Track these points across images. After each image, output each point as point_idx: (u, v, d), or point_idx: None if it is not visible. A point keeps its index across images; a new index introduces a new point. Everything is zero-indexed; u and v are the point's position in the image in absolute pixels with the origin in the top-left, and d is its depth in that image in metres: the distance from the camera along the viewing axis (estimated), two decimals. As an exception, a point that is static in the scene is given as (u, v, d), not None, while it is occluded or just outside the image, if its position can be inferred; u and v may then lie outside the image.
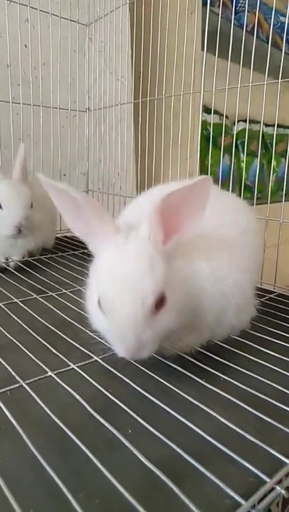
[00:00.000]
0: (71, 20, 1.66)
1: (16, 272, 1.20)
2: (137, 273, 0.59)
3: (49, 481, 0.45)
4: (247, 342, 0.78)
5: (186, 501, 0.42)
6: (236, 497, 0.42)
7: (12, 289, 1.06)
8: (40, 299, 0.96)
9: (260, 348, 0.76)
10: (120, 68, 1.68)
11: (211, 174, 1.41)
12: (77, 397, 0.59)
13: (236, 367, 0.69)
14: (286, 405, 0.59)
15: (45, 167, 1.64)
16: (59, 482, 0.44)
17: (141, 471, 0.48)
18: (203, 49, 1.29)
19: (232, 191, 1.15)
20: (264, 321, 0.89)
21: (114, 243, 0.62)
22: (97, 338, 0.77)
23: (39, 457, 0.47)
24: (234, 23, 1.20)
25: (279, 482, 0.45)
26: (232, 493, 0.43)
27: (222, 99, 1.23)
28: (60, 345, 0.74)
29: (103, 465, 0.47)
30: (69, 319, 0.86)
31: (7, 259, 1.28)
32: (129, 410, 0.57)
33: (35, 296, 0.99)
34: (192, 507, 0.41)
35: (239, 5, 2.42)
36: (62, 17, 1.61)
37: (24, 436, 0.51)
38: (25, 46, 1.61)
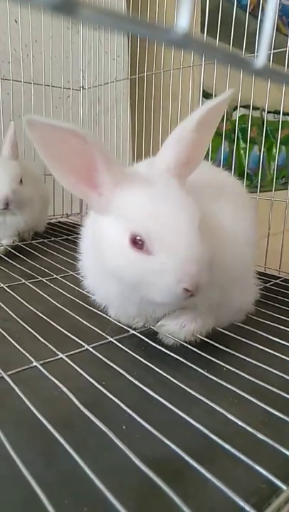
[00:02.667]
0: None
1: (4, 257, 1.13)
2: (179, 199, 0.57)
3: (28, 486, 0.38)
4: (252, 329, 0.72)
5: (187, 511, 0.36)
6: (247, 508, 0.36)
7: (1, 275, 0.99)
8: (30, 285, 0.90)
9: (267, 335, 0.70)
10: (116, 47, 1.59)
11: (210, 161, 1.36)
12: (65, 390, 0.52)
13: (242, 356, 0.63)
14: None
15: (37, 151, 1.55)
16: (38, 488, 0.37)
17: (135, 475, 0.42)
18: (202, 31, 1.22)
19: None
20: (269, 307, 0.83)
21: (137, 184, 0.59)
22: (89, 325, 0.71)
23: (16, 459, 0.41)
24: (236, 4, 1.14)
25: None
26: (241, 502, 0.37)
27: (222, 85, 1.18)
28: (48, 334, 0.68)
29: (93, 468, 0.41)
30: (60, 306, 0.79)
31: (-4, 244, 1.22)
32: (122, 405, 0.51)
33: (23, 281, 0.92)
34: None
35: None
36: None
37: (0, 434, 0.45)
38: (16, 21, 1.53)
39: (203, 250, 0.55)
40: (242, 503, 0.36)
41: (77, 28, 1.67)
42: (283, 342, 0.68)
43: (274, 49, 1.04)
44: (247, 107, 1.39)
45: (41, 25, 1.51)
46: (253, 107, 1.30)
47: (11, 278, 0.96)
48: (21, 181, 1.22)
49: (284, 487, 0.39)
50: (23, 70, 1.49)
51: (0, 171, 1.17)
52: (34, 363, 0.59)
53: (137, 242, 0.56)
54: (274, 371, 0.60)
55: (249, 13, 1.35)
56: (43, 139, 0.55)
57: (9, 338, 0.67)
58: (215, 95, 1.36)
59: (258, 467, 0.41)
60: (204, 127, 0.61)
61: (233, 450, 0.44)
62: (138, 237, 0.55)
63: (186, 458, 0.42)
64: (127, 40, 1.57)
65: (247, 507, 0.35)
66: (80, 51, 1.68)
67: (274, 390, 0.55)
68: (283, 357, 0.64)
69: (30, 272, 1.00)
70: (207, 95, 1.75)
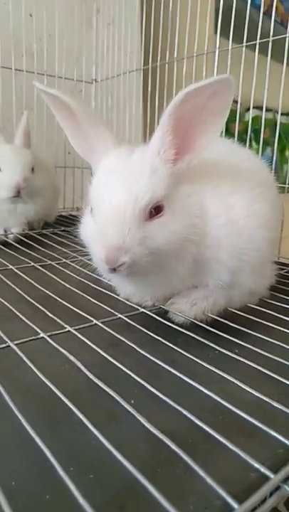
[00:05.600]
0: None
1: (15, 244, 1.12)
2: (135, 176, 0.57)
3: (35, 451, 0.37)
4: (266, 311, 0.69)
5: (203, 475, 0.33)
6: (263, 469, 0.34)
7: (11, 260, 0.98)
8: (40, 268, 0.88)
9: (282, 316, 0.67)
10: (129, 39, 1.59)
11: None
12: (73, 359, 0.51)
13: (256, 334, 0.61)
14: None
15: (49, 143, 1.56)
16: (47, 452, 0.36)
17: (147, 443, 0.40)
18: (216, 32, 1.22)
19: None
20: (284, 292, 0.80)
21: (116, 154, 0.60)
22: (98, 303, 0.70)
23: (25, 424, 0.39)
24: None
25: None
26: (257, 465, 0.34)
27: (237, 85, 1.16)
28: (58, 311, 0.66)
29: (99, 437, 0.39)
30: (70, 287, 0.78)
31: (6, 232, 1.22)
32: (134, 375, 0.49)
33: (33, 264, 0.91)
34: (210, 482, 0.33)
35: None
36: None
37: (10, 402, 0.43)
38: (30, 15, 1.54)
39: (129, 233, 0.54)
40: (258, 466, 0.33)
41: (91, 22, 1.68)
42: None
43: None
44: (260, 108, 1.38)
45: (55, 19, 1.52)
46: (266, 108, 1.29)
47: (21, 262, 0.95)
48: (33, 170, 1.22)
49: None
50: (37, 64, 1.50)
51: (12, 159, 1.17)
52: (41, 334, 0.57)
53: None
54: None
55: (263, 13, 1.34)
56: (50, 103, 0.63)
57: (20, 315, 0.65)
58: None
59: (275, 434, 0.38)
60: (197, 116, 0.57)
61: (250, 419, 0.41)
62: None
63: (202, 426, 0.40)
64: (140, 30, 1.56)
65: (262, 468, 0.33)
66: (93, 45, 1.68)
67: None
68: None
69: (40, 257, 0.98)
70: None
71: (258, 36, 1.13)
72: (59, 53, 1.55)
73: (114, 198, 0.55)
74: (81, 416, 0.41)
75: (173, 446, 0.37)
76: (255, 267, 0.64)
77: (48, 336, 0.57)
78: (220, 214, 0.61)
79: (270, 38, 1.08)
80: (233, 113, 1.84)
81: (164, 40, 1.35)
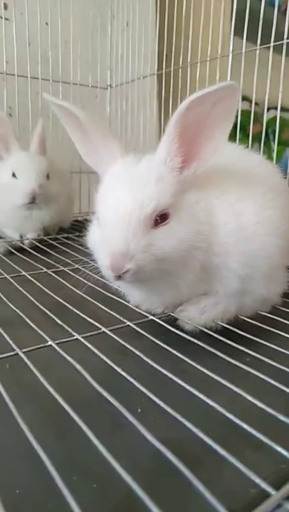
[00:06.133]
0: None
1: (30, 250, 1.14)
2: (141, 184, 0.57)
3: (39, 460, 0.37)
4: (279, 319, 0.68)
5: (202, 490, 0.33)
6: (264, 485, 0.33)
7: (25, 266, 1.00)
8: (52, 274, 0.89)
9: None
10: (143, 44, 1.59)
11: None
12: (80, 368, 0.51)
13: (268, 344, 0.60)
14: None
15: (64, 149, 1.57)
16: (49, 462, 0.36)
17: (149, 454, 0.40)
18: (231, 32, 1.21)
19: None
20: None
21: (123, 162, 0.61)
22: (108, 310, 0.70)
23: (28, 433, 0.39)
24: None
25: None
26: (258, 481, 0.34)
27: (252, 86, 1.17)
28: (67, 319, 0.67)
29: (104, 446, 0.39)
30: (81, 294, 0.78)
31: (22, 237, 1.24)
32: (140, 386, 0.48)
33: (46, 270, 0.92)
34: (209, 497, 0.32)
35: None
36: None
37: (14, 410, 0.43)
38: (46, 24, 1.56)
39: (134, 240, 0.55)
40: (259, 481, 0.33)
41: (106, 29, 1.69)
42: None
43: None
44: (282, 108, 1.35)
45: (70, 26, 1.54)
46: (283, 108, 1.27)
47: (35, 268, 0.96)
48: (48, 176, 1.23)
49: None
50: (52, 70, 1.52)
51: (27, 166, 1.19)
52: (49, 342, 0.58)
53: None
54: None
55: (282, 12, 1.32)
56: (59, 113, 0.64)
57: (30, 322, 0.66)
58: (242, 96, 1.34)
59: (279, 448, 0.37)
60: (202, 123, 0.57)
61: (255, 433, 0.40)
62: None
63: (204, 438, 0.40)
64: (155, 34, 1.56)
65: (264, 484, 0.32)
66: (107, 51, 1.69)
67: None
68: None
69: (53, 263, 0.99)
70: None
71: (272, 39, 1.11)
72: (74, 60, 1.56)
73: (119, 205, 0.56)
74: (85, 425, 0.41)
75: (173, 459, 0.36)
76: (266, 274, 0.63)
77: (56, 344, 0.57)
78: (229, 221, 0.60)
79: (285, 41, 1.06)
80: (249, 114, 1.82)
81: (178, 44, 1.35)
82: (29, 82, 1.45)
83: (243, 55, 1.15)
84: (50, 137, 1.38)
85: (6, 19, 1.51)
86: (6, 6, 1.53)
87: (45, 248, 1.14)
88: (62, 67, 1.54)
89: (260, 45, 1.19)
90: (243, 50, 1.15)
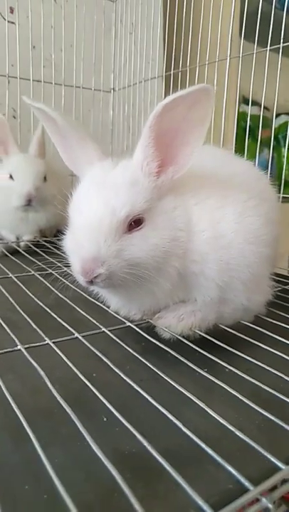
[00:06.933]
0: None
1: (23, 252, 1.14)
2: (114, 189, 0.56)
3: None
4: (260, 329, 0.65)
5: (139, 508, 0.31)
6: (206, 507, 0.31)
7: (14, 268, 0.99)
8: (39, 277, 0.89)
9: (276, 336, 0.63)
10: (151, 47, 1.58)
11: None
12: (43, 374, 0.50)
13: (245, 356, 0.58)
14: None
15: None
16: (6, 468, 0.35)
17: (102, 468, 0.38)
18: (240, 34, 1.19)
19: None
20: (283, 308, 0.76)
21: (100, 167, 0.60)
22: (87, 316, 0.68)
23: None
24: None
25: (269, 492, 0.33)
26: (200, 503, 0.32)
27: (262, 90, 1.15)
28: (44, 323, 0.65)
29: (58, 456, 0.38)
30: (65, 299, 0.77)
31: (18, 239, 1.24)
32: (104, 399, 0.47)
33: (33, 273, 0.91)
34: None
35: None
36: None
37: None
38: (52, 27, 1.57)
39: (105, 245, 0.54)
40: (201, 503, 0.31)
41: (111, 32, 1.69)
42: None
43: None
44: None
45: (76, 29, 1.55)
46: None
47: (23, 271, 0.95)
48: (45, 179, 1.23)
49: (251, 488, 0.33)
50: (55, 73, 1.52)
51: (24, 168, 1.19)
52: (19, 346, 0.56)
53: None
54: (279, 374, 0.53)
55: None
56: (39, 116, 0.64)
57: (4, 325, 0.65)
58: (252, 100, 1.32)
59: (231, 469, 0.35)
60: (178, 127, 0.56)
61: (210, 452, 0.38)
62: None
63: (156, 457, 0.38)
64: (163, 36, 1.54)
65: (205, 506, 0.30)
66: (112, 54, 1.69)
67: (277, 394, 0.49)
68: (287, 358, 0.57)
69: (43, 265, 0.99)
70: (245, 100, 1.69)
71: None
72: (78, 63, 1.57)
73: (91, 210, 0.55)
74: (44, 433, 0.40)
75: (115, 475, 0.34)
76: (246, 283, 0.61)
77: (26, 349, 0.56)
78: (206, 228, 0.59)
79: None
80: (258, 119, 1.79)
81: (186, 46, 1.33)
82: (31, 84, 1.46)
83: (254, 56, 1.13)
84: (51, 140, 1.38)
85: (12, 23, 1.53)
86: (12, 10, 1.54)
87: (38, 250, 1.14)
88: (66, 70, 1.54)
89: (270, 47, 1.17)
90: (242, 52, 1.13)
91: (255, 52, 1.18)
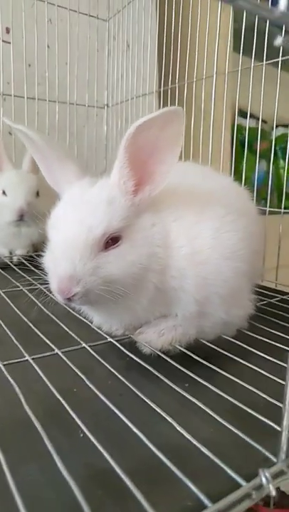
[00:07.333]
0: (90, 16, 1.63)
1: (14, 267, 1.15)
2: (90, 207, 0.57)
3: None
4: (242, 344, 0.65)
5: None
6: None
7: (3, 283, 1.00)
8: (27, 293, 0.89)
9: (257, 352, 0.63)
10: (144, 64, 1.61)
11: (245, 180, 1.31)
12: (19, 393, 0.50)
13: (225, 373, 0.57)
14: (275, 422, 0.46)
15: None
16: None
17: (67, 488, 0.38)
18: (234, 50, 1.21)
19: (270, 199, 1.08)
20: (269, 323, 0.76)
21: (78, 185, 0.61)
22: (70, 332, 0.69)
23: None
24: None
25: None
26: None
27: (257, 103, 1.16)
28: (26, 339, 0.66)
29: (22, 474, 0.38)
30: (50, 314, 0.78)
31: (11, 253, 1.25)
32: (76, 416, 0.47)
33: (21, 288, 0.92)
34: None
35: None
36: (81, 12, 1.59)
37: None
38: (48, 46, 1.61)
39: (80, 263, 0.55)
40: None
41: (105, 50, 1.73)
42: (275, 360, 0.61)
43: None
44: (287, 126, 1.34)
45: (70, 48, 1.58)
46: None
47: (12, 286, 0.96)
48: (38, 194, 1.25)
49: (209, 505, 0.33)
50: (50, 91, 1.55)
51: (16, 184, 1.21)
52: (-4, 363, 0.57)
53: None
54: (256, 391, 0.53)
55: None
56: (20, 136, 0.66)
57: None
58: (250, 114, 1.33)
59: (192, 486, 0.35)
60: (152, 147, 0.56)
61: (176, 471, 0.38)
62: None
63: (123, 476, 0.38)
64: (158, 52, 1.57)
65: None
66: (105, 70, 1.72)
67: (251, 412, 0.49)
68: (273, 378, 0.56)
69: (33, 280, 0.99)
70: (243, 114, 1.70)
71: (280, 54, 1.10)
72: (72, 81, 1.60)
73: (67, 228, 0.56)
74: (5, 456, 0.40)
75: (79, 497, 0.34)
76: (225, 298, 0.61)
77: (4, 365, 0.57)
78: (184, 244, 0.59)
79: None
80: (256, 131, 1.81)
81: (182, 61, 1.35)
82: (25, 102, 1.49)
83: (255, 71, 1.14)
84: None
85: (7, 42, 1.56)
86: (8, 30, 1.58)
87: (29, 265, 1.15)
88: (60, 87, 1.57)
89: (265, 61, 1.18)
90: (252, 66, 1.15)
91: (240, 68, 1.20)
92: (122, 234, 0.57)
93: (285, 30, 1.08)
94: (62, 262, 0.55)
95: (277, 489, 0.38)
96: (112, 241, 0.56)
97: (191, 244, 0.59)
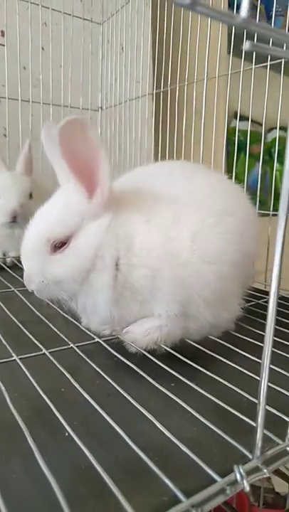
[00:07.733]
0: (84, 19, 1.64)
1: (7, 269, 1.15)
2: (47, 211, 0.65)
3: None
4: (228, 345, 0.66)
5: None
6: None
7: (0, 285, 1.01)
8: (18, 293, 0.90)
9: (243, 352, 0.64)
10: (138, 67, 1.62)
11: (239, 182, 1.32)
12: (4, 392, 0.51)
13: (209, 373, 0.58)
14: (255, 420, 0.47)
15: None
16: None
17: (40, 487, 0.39)
18: (229, 52, 1.23)
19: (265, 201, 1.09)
20: (253, 323, 0.77)
21: (63, 188, 0.67)
22: (59, 333, 0.70)
23: None
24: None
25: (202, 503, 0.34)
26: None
27: (254, 106, 1.19)
28: (15, 339, 0.67)
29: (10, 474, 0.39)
30: (41, 316, 0.78)
31: (4, 255, 1.25)
32: (61, 415, 0.47)
33: (13, 289, 0.93)
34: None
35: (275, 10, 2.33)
36: (75, 16, 1.60)
37: None
38: (43, 49, 1.62)
39: (32, 265, 0.64)
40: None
41: (99, 53, 1.74)
42: (257, 359, 0.62)
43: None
44: (283, 128, 1.35)
45: (66, 51, 1.59)
46: (283, 128, 1.26)
47: (4, 287, 0.97)
48: (31, 196, 1.25)
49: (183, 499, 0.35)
50: (44, 93, 1.56)
51: (9, 185, 1.22)
52: (-18, 363, 0.58)
53: None
54: (239, 391, 0.54)
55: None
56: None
57: None
58: (240, 115, 1.34)
59: (168, 482, 0.36)
60: (80, 151, 0.57)
61: (154, 467, 0.39)
62: None
63: (102, 474, 0.39)
64: (152, 55, 1.58)
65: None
66: (99, 73, 1.74)
67: (233, 411, 0.50)
68: (252, 375, 0.57)
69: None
70: (241, 118, 1.70)
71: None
72: (66, 83, 1.61)
73: (28, 232, 0.64)
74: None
75: (60, 497, 0.35)
76: (209, 301, 0.62)
77: (-10, 365, 0.58)
78: (156, 245, 0.60)
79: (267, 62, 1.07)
80: (253, 134, 1.82)
81: (174, 63, 1.36)
82: (19, 104, 1.50)
83: (250, 73, 1.16)
84: (40, 159, 1.41)
85: (1, 45, 1.57)
86: (3, 33, 1.59)
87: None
88: (54, 90, 1.59)
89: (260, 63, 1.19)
90: (246, 69, 1.16)
91: (229, 72, 1.21)
92: (71, 238, 0.60)
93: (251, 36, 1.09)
94: (24, 261, 0.65)
95: (272, 490, 0.39)
96: (62, 245, 0.60)
97: (165, 245, 0.60)
